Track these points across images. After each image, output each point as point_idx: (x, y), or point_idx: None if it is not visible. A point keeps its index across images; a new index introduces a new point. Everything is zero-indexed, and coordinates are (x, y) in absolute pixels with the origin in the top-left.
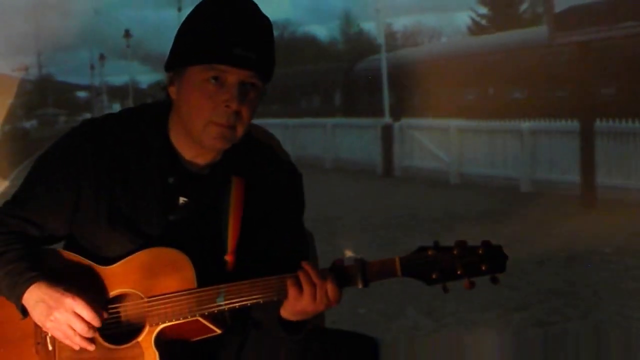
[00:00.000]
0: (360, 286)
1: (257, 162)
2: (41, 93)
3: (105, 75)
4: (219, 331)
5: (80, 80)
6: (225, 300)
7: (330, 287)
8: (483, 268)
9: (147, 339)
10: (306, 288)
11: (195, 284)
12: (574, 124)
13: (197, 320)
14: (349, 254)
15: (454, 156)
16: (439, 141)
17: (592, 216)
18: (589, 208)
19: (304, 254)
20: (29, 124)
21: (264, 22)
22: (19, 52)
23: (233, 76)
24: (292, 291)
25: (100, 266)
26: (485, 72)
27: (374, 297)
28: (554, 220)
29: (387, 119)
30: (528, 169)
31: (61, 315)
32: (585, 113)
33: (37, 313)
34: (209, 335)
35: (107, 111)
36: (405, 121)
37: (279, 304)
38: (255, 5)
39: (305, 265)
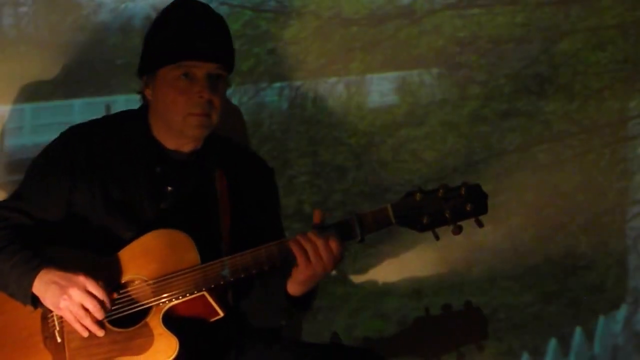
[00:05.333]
0: (358, 239)
1: (234, 155)
2: None
3: None
4: (222, 313)
5: None
6: (230, 271)
7: (334, 244)
8: (468, 208)
9: (154, 318)
10: (309, 247)
11: (199, 261)
12: None
13: (203, 297)
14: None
15: None
16: None
17: None
18: None
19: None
20: None
21: (220, 19)
22: None
23: (201, 70)
24: (298, 255)
25: (102, 258)
26: None
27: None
28: None
29: None
30: None
31: (74, 293)
32: None
33: (49, 295)
34: (213, 318)
35: None
36: None
37: (284, 280)
38: (208, 6)
39: (308, 232)
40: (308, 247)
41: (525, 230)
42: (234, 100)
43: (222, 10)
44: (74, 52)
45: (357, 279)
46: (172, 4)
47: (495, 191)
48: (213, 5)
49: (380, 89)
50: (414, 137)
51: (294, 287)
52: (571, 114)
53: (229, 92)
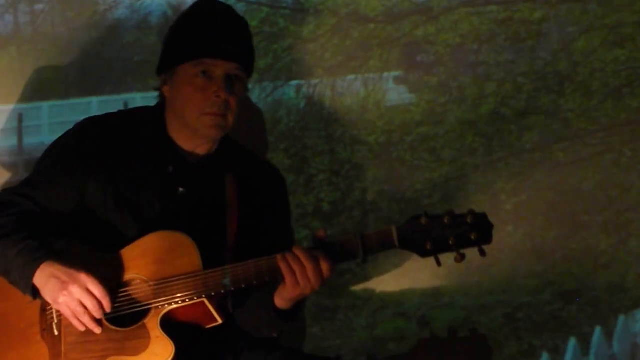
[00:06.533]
0: (359, 260)
1: (247, 163)
2: None
3: None
4: (220, 320)
5: None
6: (232, 280)
7: (325, 266)
8: (472, 237)
9: (152, 321)
10: (297, 269)
11: (201, 267)
12: None
13: (202, 304)
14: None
15: None
16: None
17: None
18: None
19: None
20: None
21: (242, 22)
22: None
23: (220, 69)
24: (286, 276)
25: (106, 254)
26: None
27: None
28: None
29: None
30: None
31: (74, 290)
32: None
33: (49, 289)
34: (210, 325)
35: None
36: None
37: (271, 291)
38: (232, 8)
39: (295, 249)
40: (297, 268)
41: (545, 229)
42: (253, 98)
43: (239, 7)
44: (90, 49)
45: (377, 277)
46: (196, 3)
47: (514, 190)
48: (230, 2)
49: (398, 86)
50: (432, 135)
51: (280, 302)
52: (590, 112)
53: None
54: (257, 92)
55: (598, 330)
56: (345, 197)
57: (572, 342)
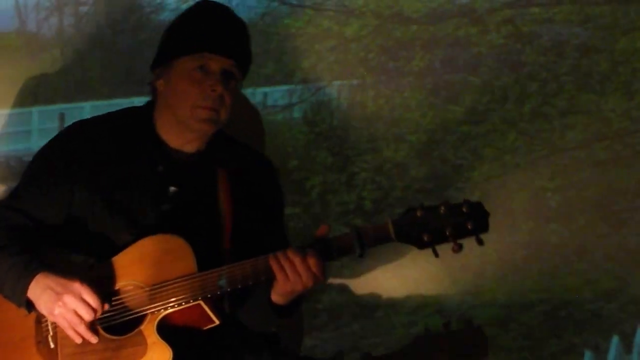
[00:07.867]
0: (357, 254)
1: (238, 156)
2: None
3: None
4: (217, 321)
5: None
6: (228, 281)
7: (312, 261)
8: (469, 227)
9: (149, 327)
10: (286, 265)
11: (196, 269)
12: None
13: (199, 306)
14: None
15: None
16: None
17: None
18: None
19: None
20: None
21: (241, 23)
22: None
23: (216, 64)
24: (277, 273)
25: (100, 261)
26: None
27: None
28: None
29: None
30: None
31: (69, 300)
32: None
33: (44, 301)
34: (208, 326)
35: None
36: None
37: (268, 288)
38: (232, 10)
39: (287, 249)
40: (286, 265)
41: (586, 227)
42: (295, 98)
43: (282, 10)
44: (135, 51)
45: (416, 276)
46: (196, 3)
47: (555, 188)
48: (273, 5)
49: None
50: (474, 134)
51: (276, 298)
52: (631, 112)
53: (289, 89)
54: (300, 92)
55: None
56: (387, 195)
57: (615, 340)
